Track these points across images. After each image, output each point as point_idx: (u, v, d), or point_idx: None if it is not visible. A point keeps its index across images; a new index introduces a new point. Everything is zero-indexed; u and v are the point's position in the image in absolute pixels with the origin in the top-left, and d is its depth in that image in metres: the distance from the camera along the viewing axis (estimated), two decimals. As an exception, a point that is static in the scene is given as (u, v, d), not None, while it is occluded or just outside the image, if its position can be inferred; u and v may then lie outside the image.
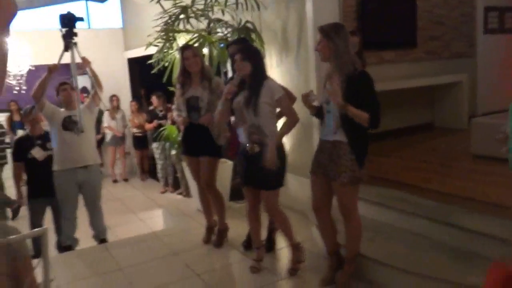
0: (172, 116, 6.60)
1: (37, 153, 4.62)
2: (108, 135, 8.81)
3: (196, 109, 3.91)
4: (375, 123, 2.87)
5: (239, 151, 3.47)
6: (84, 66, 4.31)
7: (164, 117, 7.41)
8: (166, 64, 5.10)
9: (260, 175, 3.29)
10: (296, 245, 3.54)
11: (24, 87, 7.98)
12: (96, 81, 4.40)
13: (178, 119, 4.05)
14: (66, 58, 3.99)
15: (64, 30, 3.85)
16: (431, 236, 3.45)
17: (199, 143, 3.96)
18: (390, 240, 3.56)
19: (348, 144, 2.90)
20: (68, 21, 3.84)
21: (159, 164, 7.68)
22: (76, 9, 10.17)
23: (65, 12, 3.88)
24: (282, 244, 4.06)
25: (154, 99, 7.70)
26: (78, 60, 4.09)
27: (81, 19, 3.92)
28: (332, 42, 2.88)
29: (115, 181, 8.88)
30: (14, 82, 8.12)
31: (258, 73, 3.30)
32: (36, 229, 2.08)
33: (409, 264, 3.14)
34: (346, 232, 3.17)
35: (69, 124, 4.32)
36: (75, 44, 3.89)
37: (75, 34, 3.88)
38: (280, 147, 3.32)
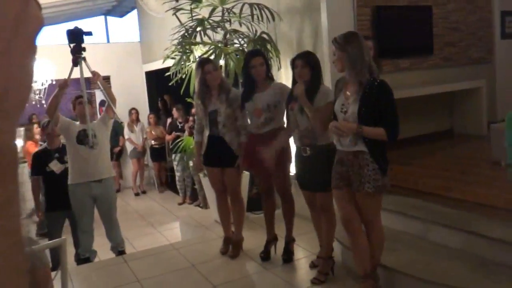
0: (189, 127, 6.68)
1: (55, 166, 4.68)
2: (129, 148, 8.90)
3: (215, 123, 3.94)
4: (394, 136, 2.84)
5: (295, 155, 3.58)
6: (95, 80, 4.36)
7: (183, 129, 7.47)
8: (183, 76, 5.14)
9: (313, 177, 3.37)
10: (329, 254, 3.51)
11: (43, 101, 8.14)
12: (108, 94, 4.43)
13: (196, 161, 4.26)
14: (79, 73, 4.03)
15: (72, 45, 3.89)
16: (452, 244, 3.39)
17: (221, 155, 3.98)
18: (410, 249, 3.50)
19: (369, 153, 2.86)
20: (76, 36, 3.88)
21: (178, 176, 7.73)
22: (95, 24, 10.39)
23: (72, 27, 3.92)
24: (300, 255, 4.04)
25: (174, 112, 7.78)
26: (88, 74, 4.13)
27: (89, 33, 3.95)
28: (345, 52, 2.87)
29: (137, 194, 8.92)
30: (36, 97, 8.30)
31: (316, 80, 3.37)
32: (55, 240, 2.11)
33: (429, 273, 3.08)
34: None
35: (83, 138, 4.36)
36: (84, 58, 3.92)
37: (83, 49, 3.91)
38: (330, 149, 3.25)
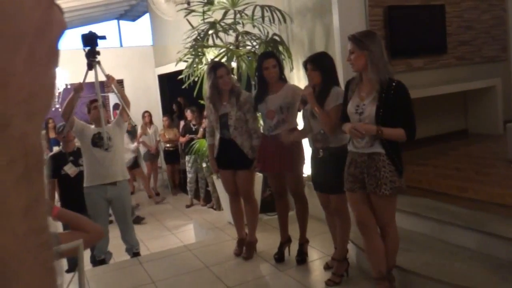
0: (204, 128, 6.70)
1: (69, 169, 4.74)
2: (142, 151, 8.96)
3: (227, 126, 3.95)
4: (413, 136, 2.82)
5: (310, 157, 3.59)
6: (109, 83, 4.41)
7: (197, 131, 7.50)
8: (196, 79, 5.17)
9: (326, 179, 3.38)
10: (344, 256, 3.50)
11: (58, 105, 8.24)
12: (122, 97, 4.47)
13: (211, 163, 4.26)
14: (93, 77, 4.07)
15: (86, 49, 3.93)
16: (467, 245, 3.36)
17: (233, 157, 3.99)
18: (425, 250, 3.47)
19: (386, 155, 2.83)
20: (90, 40, 3.92)
21: (189, 178, 7.76)
22: (109, 28, 10.50)
23: (86, 32, 3.96)
24: (314, 256, 4.03)
25: (188, 114, 7.81)
26: (103, 78, 4.16)
27: (103, 37, 3.99)
28: (367, 50, 2.81)
29: (150, 196, 8.96)
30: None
31: (327, 82, 3.34)
32: (72, 242, 2.13)
33: (444, 274, 3.05)
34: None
35: (98, 141, 4.41)
36: (98, 62, 3.96)
37: (98, 53, 3.95)
38: (344, 151, 3.22)
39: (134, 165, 8.35)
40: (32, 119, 0.35)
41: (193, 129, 7.64)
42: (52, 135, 8.43)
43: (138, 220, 7.10)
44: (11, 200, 0.33)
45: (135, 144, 8.55)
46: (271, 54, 3.99)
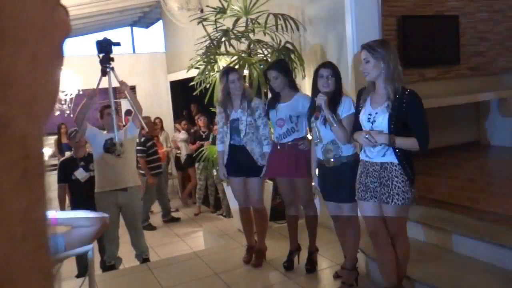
0: (214, 135, 6.70)
1: (80, 174, 4.77)
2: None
3: (237, 132, 3.96)
4: (426, 145, 2.80)
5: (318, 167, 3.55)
6: (122, 90, 4.43)
7: (207, 138, 7.50)
8: (208, 86, 5.19)
9: (337, 188, 3.35)
10: (354, 265, 3.48)
11: (69, 111, 8.31)
12: (135, 104, 4.49)
13: (220, 172, 4.21)
14: (107, 83, 4.09)
15: (101, 55, 3.96)
16: (479, 257, 3.32)
17: (243, 164, 3.99)
18: (436, 261, 3.44)
19: (399, 165, 2.81)
20: (105, 47, 3.95)
21: (199, 185, 7.76)
22: (122, 35, 10.60)
23: (101, 38, 3.99)
24: (323, 265, 4.01)
25: (201, 121, 7.82)
26: (116, 84, 4.19)
27: (117, 44, 4.02)
28: (382, 59, 2.80)
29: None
30: (64, 106, 8.48)
31: (339, 90, 3.37)
32: (83, 247, 2.14)
33: (455, 286, 3.02)
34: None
35: (110, 147, 4.43)
36: (112, 69, 3.99)
37: (112, 59, 3.97)
38: (355, 160, 3.24)
39: None
40: (34, 122, 0.34)
41: (203, 136, 7.66)
42: (64, 140, 8.49)
43: (150, 228, 7.12)
44: (9, 203, 0.32)
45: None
46: (272, 66, 3.96)
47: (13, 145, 0.33)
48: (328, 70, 3.36)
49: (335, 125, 3.21)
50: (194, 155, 7.19)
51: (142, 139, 6.74)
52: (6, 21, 0.32)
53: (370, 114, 2.91)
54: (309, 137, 3.78)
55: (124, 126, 5.11)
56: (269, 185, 4.96)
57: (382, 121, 2.84)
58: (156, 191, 7.32)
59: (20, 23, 0.33)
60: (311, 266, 3.90)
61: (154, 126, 7.87)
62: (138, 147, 6.27)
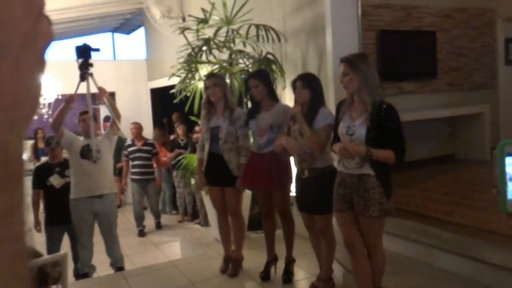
0: (194, 141, 6.69)
1: (55, 180, 4.70)
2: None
3: (217, 140, 3.95)
4: (402, 158, 2.84)
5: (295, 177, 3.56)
6: (101, 96, 4.40)
7: (185, 147, 7.46)
8: (188, 94, 5.18)
9: (311, 200, 3.35)
10: (329, 276, 3.50)
11: (47, 116, 8.20)
12: (113, 110, 4.46)
13: (198, 177, 4.24)
14: (84, 88, 4.06)
15: (80, 61, 3.93)
16: (453, 270, 3.36)
17: (221, 174, 3.98)
18: (411, 273, 3.48)
19: (376, 177, 2.84)
20: (84, 52, 3.93)
21: (178, 192, 7.71)
22: (103, 40, 10.52)
23: (80, 43, 3.97)
24: (300, 276, 4.01)
25: (180, 129, 7.79)
26: (95, 90, 4.16)
27: (97, 49, 4.00)
28: (361, 72, 2.84)
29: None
30: (43, 110, 8.36)
31: (316, 102, 3.36)
32: (57, 254, 2.11)
33: (430, 298, 3.05)
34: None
35: (87, 153, 4.38)
36: (91, 74, 3.96)
37: (91, 65, 3.95)
38: (330, 172, 3.27)
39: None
40: (14, 128, 0.35)
41: (181, 144, 7.62)
42: (41, 145, 8.35)
43: (142, 234, 7.26)
44: None
45: None
46: (253, 74, 4.01)
47: None
48: (300, 81, 3.40)
49: (308, 134, 3.24)
50: (173, 162, 7.15)
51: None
52: None
53: (348, 127, 2.94)
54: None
55: (101, 132, 5.07)
56: (247, 194, 4.95)
57: (360, 133, 2.87)
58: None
59: (4, 31, 0.33)
60: (288, 276, 3.90)
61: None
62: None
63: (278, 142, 3.50)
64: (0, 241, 0.33)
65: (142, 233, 7.30)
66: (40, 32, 0.37)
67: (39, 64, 0.37)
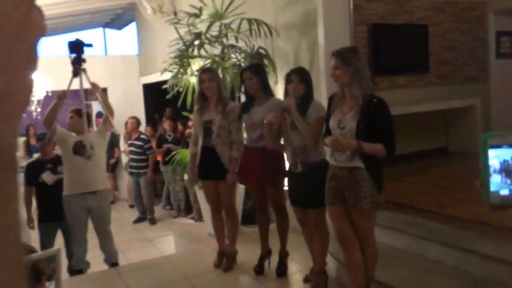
0: (187, 135, 6.69)
1: (47, 177, 4.68)
2: (124, 160, 8.87)
3: (210, 133, 3.95)
4: (392, 151, 2.86)
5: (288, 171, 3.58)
6: (94, 91, 4.38)
7: (173, 142, 7.47)
8: (181, 89, 5.17)
9: (304, 194, 3.36)
10: (323, 269, 3.51)
11: (36, 113, 8.15)
12: (106, 106, 4.45)
13: (190, 175, 4.26)
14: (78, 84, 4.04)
15: (72, 56, 3.91)
16: (445, 261, 3.40)
17: (215, 168, 3.98)
18: (404, 265, 3.50)
19: (366, 169, 2.86)
20: (76, 47, 3.90)
21: (170, 187, 7.72)
22: (94, 36, 10.45)
23: (73, 39, 3.94)
24: (293, 269, 4.03)
25: (166, 124, 7.79)
26: (87, 86, 4.14)
27: (89, 45, 3.98)
28: (352, 66, 2.85)
29: (132, 206, 8.87)
30: (33, 107, 8.30)
31: (309, 95, 3.40)
32: (51, 249, 2.10)
33: (422, 290, 3.08)
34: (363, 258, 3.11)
35: (80, 149, 4.36)
36: (84, 70, 3.94)
37: (84, 60, 3.92)
38: (323, 165, 3.27)
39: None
40: (7, 119, 0.35)
41: (169, 140, 7.62)
42: (33, 141, 8.31)
43: (153, 222, 7.53)
44: None
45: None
46: (248, 67, 4.04)
47: None
48: (296, 75, 3.41)
49: (301, 125, 3.26)
50: (166, 158, 7.15)
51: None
52: None
53: (339, 120, 2.96)
54: (282, 142, 3.80)
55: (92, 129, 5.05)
56: (240, 189, 4.96)
57: (350, 127, 2.89)
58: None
59: None
60: (282, 270, 3.92)
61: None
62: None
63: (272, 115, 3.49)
64: None
65: (152, 221, 7.55)
66: (33, 23, 0.37)
67: (31, 56, 0.37)
